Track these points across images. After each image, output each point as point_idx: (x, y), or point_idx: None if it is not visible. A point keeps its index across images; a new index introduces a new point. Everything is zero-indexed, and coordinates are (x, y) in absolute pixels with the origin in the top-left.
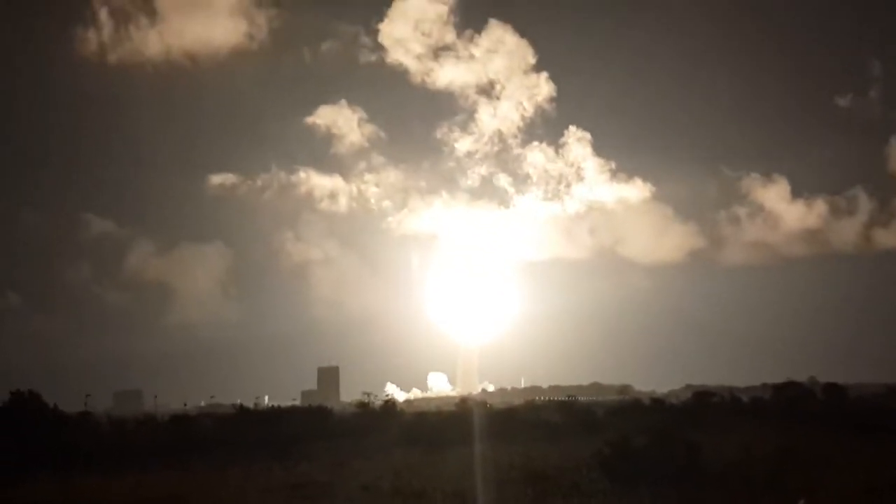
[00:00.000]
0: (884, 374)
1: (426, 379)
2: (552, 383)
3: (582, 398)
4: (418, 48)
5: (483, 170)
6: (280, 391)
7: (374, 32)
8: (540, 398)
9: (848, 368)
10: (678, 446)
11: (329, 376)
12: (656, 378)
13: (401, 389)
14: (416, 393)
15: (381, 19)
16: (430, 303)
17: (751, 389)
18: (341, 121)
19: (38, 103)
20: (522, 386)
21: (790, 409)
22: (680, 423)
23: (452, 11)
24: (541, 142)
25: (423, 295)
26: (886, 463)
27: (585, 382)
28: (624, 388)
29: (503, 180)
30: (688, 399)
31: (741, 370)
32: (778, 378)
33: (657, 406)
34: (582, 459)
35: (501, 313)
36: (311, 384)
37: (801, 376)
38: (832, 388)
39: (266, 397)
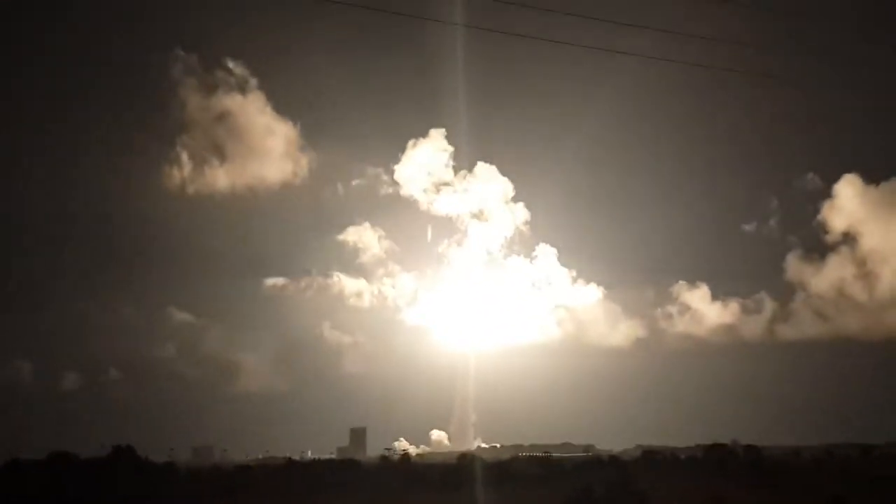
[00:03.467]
0: (790, 438)
1: (429, 434)
2: (531, 442)
3: (555, 455)
4: (425, 184)
5: (475, 276)
6: (320, 446)
7: (392, 172)
8: (522, 454)
9: (762, 432)
10: (630, 495)
11: (358, 435)
12: (613, 438)
13: (409, 443)
14: (423, 448)
15: (397, 162)
16: (435, 375)
17: (686, 449)
18: (366, 238)
19: (132, 226)
20: (509, 444)
21: (718, 465)
22: (632, 475)
23: (450, 156)
24: (518, 255)
25: (431, 369)
26: None
27: (558, 442)
28: (588, 447)
29: (491, 284)
30: (638, 456)
31: (678, 432)
32: (707, 440)
33: (613, 462)
34: None
35: (493, 383)
36: (344, 441)
37: (725, 439)
38: (751, 449)
39: (309, 451)
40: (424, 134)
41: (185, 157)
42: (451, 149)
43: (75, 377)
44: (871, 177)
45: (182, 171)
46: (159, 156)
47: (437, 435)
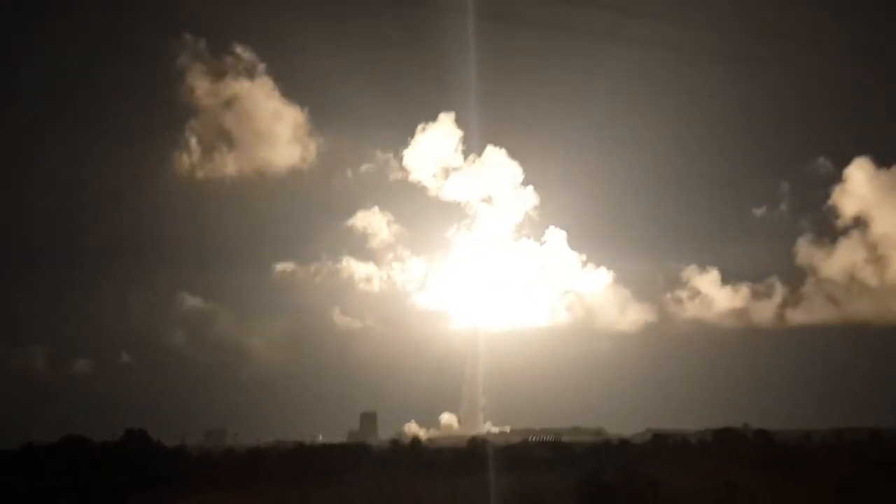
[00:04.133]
0: (800, 422)
1: (439, 418)
2: (542, 426)
3: (565, 439)
4: (434, 169)
5: (485, 260)
6: (330, 430)
7: (401, 157)
8: (532, 438)
9: (772, 417)
10: (641, 480)
11: (369, 419)
12: (623, 423)
13: (419, 426)
14: (433, 433)
15: (406, 147)
16: (445, 359)
17: (697, 433)
18: (375, 223)
19: (143, 210)
20: (519, 427)
21: (728, 449)
22: (642, 459)
23: (460, 141)
24: (528, 238)
25: (441, 354)
26: (806, 495)
27: (568, 426)
28: (598, 431)
29: (501, 268)
30: (648, 440)
31: (689, 416)
32: (718, 424)
33: (624, 446)
34: (565, 488)
35: (502, 367)
36: (355, 425)
37: (736, 423)
38: (761, 433)
39: (320, 435)
40: (434, 118)
41: (193, 142)
42: (460, 133)
43: (88, 362)
44: (883, 160)
45: (191, 156)
46: (168, 141)
47: (447, 418)
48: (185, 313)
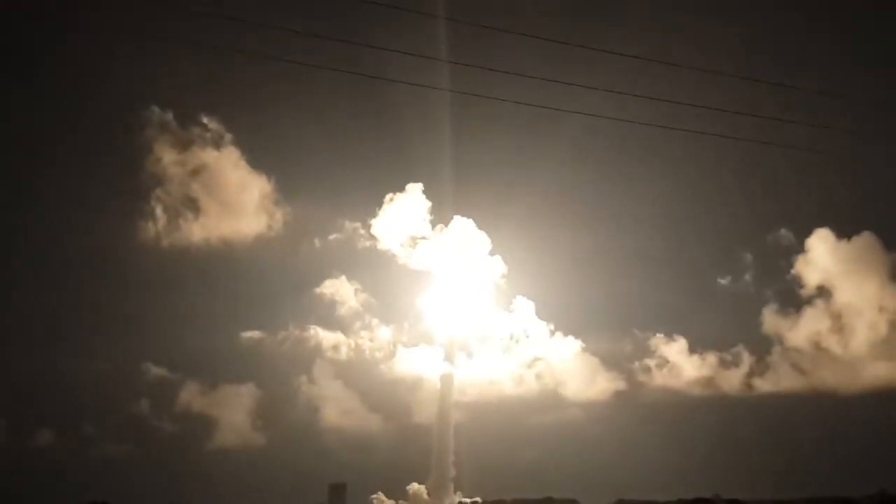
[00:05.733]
0: (771, 492)
1: (407, 488)
2: (513, 496)
3: None
4: (402, 238)
5: (452, 330)
6: (299, 503)
7: (369, 226)
8: None
9: (743, 486)
10: None
11: (338, 490)
12: (596, 493)
13: (387, 498)
14: None
15: (374, 217)
16: (413, 429)
17: (668, 503)
18: (342, 291)
19: (107, 280)
20: (490, 498)
21: None
22: None
23: (427, 211)
24: (496, 308)
25: (409, 423)
26: None
27: (540, 496)
28: (571, 502)
29: (468, 337)
30: None
31: (660, 486)
32: (689, 493)
33: None
34: None
35: (472, 436)
36: (323, 497)
37: (707, 493)
38: (733, 503)
39: None
40: (402, 188)
41: (159, 210)
42: (428, 203)
43: (49, 434)
44: (843, 231)
45: (157, 224)
46: (134, 210)
47: (415, 488)
48: (149, 383)
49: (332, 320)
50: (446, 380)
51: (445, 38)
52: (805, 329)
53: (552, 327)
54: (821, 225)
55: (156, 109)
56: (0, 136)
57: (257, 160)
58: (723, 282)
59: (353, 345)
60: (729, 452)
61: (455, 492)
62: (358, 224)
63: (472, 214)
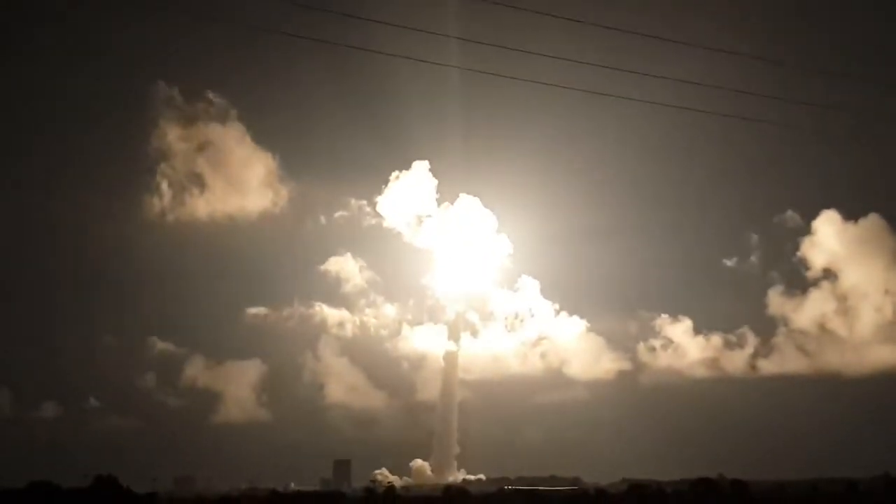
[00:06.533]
0: (775, 473)
1: (410, 465)
2: (517, 474)
3: (542, 488)
4: (407, 216)
5: (457, 308)
6: (303, 478)
7: (374, 204)
8: (508, 487)
9: (748, 467)
10: None
11: (342, 466)
12: (599, 472)
13: (390, 473)
14: (406, 480)
15: (380, 194)
16: (418, 406)
17: (673, 483)
18: (347, 268)
19: (113, 255)
20: (493, 476)
21: (704, 500)
22: None
23: (433, 189)
24: (501, 287)
25: (414, 401)
26: None
27: (544, 474)
28: (574, 480)
29: (473, 316)
30: (624, 490)
31: (664, 466)
32: (694, 474)
33: (600, 496)
34: None
35: (477, 414)
36: (328, 472)
37: (712, 473)
38: (737, 484)
39: (292, 483)
40: (408, 167)
41: (164, 186)
42: (434, 181)
43: (55, 405)
44: (850, 213)
45: (162, 200)
46: (139, 185)
47: (419, 465)
48: (155, 357)
49: (337, 297)
50: (450, 358)
51: (454, 14)
52: (810, 311)
53: (557, 307)
54: (828, 207)
55: (162, 84)
56: (5, 111)
57: (263, 136)
58: (729, 263)
59: (358, 322)
60: (733, 433)
61: (459, 469)
62: (364, 202)
63: (479, 193)
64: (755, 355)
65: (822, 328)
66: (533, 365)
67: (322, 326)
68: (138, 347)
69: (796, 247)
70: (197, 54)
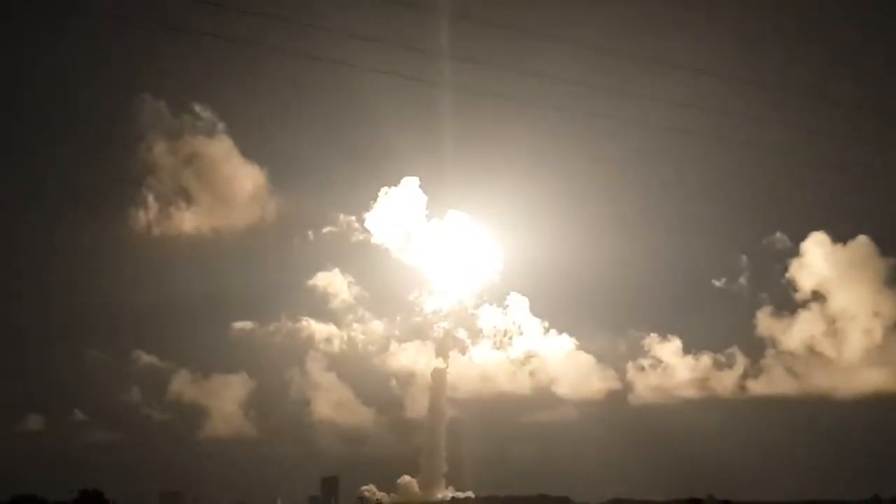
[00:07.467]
0: (764, 494)
1: (398, 481)
2: (506, 493)
3: None
4: (396, 232)
5: (445, 325)
6: (291, 495)
7: (363, 220)
8: None
9: (736, 487)
10: None
11: (330, 484)
12: (589, 491)
13: (379, 490)
14: (393, 497)
15: (368, 210)
16: (407, 421)
17: (661, 503)
18: (335, 283)
19: (98, 269)
20: (482, 494)
21: None
22: None
23: (422, 205)
24: (490, 304)
25: (401, 417)
26: None
27: (534, 493)
28: (564, 499)
29: (461, 333)
30: None
31: (654, 485)
32: (683, 494)
33: None
34: None
35: (465, 432)
36: (316, 489)
37: (701, 493)
38: None
39: (279, 500)
40: (397, 183)
41: (151, 199)
42: (424, 198)
43: (39, 419)
44: (839, 235)
45: (148, 213)
46: (125, 198)
47: (406, 481)
48: (140, 371)
49: (324, 313)
50: (438, 375)
51: (444, 34)
52: (799, 332)
53: (546, 324)
54: (816, 228)
55: (148, 97)
56: None
57: (250, 150)
58: (718, 283)
59: (345, 337)
60: (722, 454)
61: (447, 487)
62: (352, 217)
63: (468, 209)
64: (744, 376)
65: (811, 350)
66: (522, 383)
67: (309, 342)
68: (124, 361)
69: (785, 268)
70: (184, 67)
